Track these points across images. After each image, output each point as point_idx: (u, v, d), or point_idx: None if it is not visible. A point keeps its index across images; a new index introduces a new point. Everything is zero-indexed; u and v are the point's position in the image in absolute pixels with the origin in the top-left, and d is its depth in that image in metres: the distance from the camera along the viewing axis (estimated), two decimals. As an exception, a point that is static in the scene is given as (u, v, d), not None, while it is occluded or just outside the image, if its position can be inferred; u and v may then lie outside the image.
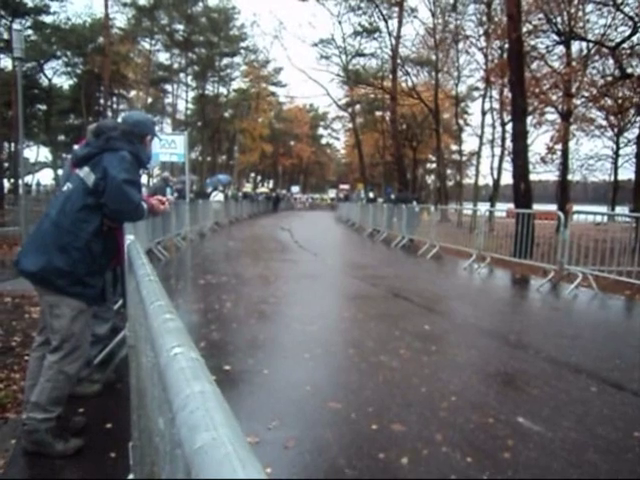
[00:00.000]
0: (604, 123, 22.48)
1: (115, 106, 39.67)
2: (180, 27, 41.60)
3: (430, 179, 47.96)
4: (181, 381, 0.48)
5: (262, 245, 14.09)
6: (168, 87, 46.41)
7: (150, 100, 43.20)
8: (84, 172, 2.66)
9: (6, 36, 27.23)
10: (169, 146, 13.28)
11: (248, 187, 38.40)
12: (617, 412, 3.33)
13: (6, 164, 32.53)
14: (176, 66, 44.27)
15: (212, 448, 0.36)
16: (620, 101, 20.60)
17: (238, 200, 26.65)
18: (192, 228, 13.85)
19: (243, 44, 44.34)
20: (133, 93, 42.85)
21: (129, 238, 1.90)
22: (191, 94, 47.31)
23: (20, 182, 14.92)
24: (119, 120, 3.52)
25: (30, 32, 32.17)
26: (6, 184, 29.56)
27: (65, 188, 2.74)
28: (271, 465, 2.49)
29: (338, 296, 7.38)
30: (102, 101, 37.59)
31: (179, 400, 0.45)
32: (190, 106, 47.91)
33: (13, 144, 32.96)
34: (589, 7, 19.41)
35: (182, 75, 45.33)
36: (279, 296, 6.84)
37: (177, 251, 11.45)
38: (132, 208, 2.66)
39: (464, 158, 37.11)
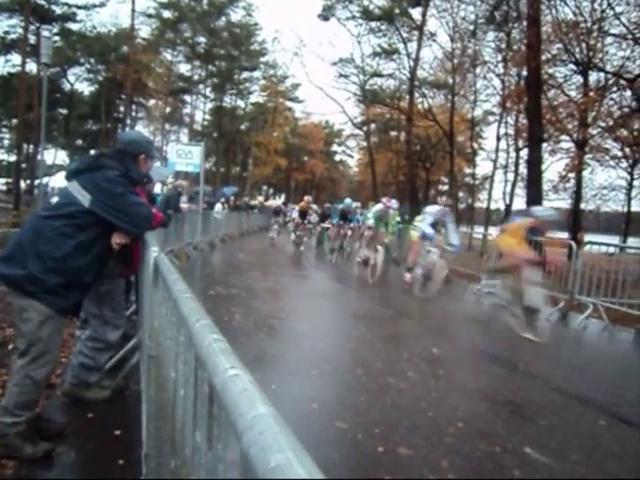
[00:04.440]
0: (619, 154, 22.41)
1: (134, 114, 40.28)
2: (202, 40, 42.34)
3: (442, 201, 47.94)
4: (245, 402, 0.52)
5: (272, 258, 14.13)
6: (187, 98, 47.06)
7: (168, 110, 43.82)
8: (73, 187, 2.71)
9: (32, 41, 27.88)
10: (185, 156, 13.44)
11: (259, 199, 38.05)
12: (626, 448, 3.30)
13: (23, 165, 33.03)
14: (196, 77, 44.97)
15: (287, 469, 0.39)
16: (636, 133, 20.57)
17: (248, 212, 26.75)
18: (203, 238, 13.93)
19: (263, 59, 45.00)
20: (152, 102, 43.50)
21: (155, 250, 1.94)
22: (209, 105, 47.97)
23: (37, 183, 15.12)
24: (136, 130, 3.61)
25: (56, 38, 32.93)
26: (22, 185, 30.01)
27: (54, 200, 2.79)
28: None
29: (347, 314, 7.38)
30: (122, 108, 38.19)
31: (245, 421, 0.49)
32: (207, 117, 48.51)
33: (32, 146, 33.50)
34: (608, 39, 19.54)
35: (201, 87, 46.00)
36: (288, 311, 6.87)
37: (188, 261, 11.51)
38: (138, 211, 2.78)
39: (477, 182, 37.13)
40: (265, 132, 45.99)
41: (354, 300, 8.68)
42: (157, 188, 17.10)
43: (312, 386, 4.02)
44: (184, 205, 10.88)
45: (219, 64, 43.80)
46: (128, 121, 35.07)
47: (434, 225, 9.01)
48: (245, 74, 45.94)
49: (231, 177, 47.91)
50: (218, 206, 21.16)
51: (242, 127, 48.00)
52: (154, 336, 1.77)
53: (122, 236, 2.79)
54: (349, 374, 4.38)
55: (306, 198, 16.74)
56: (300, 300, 8.00)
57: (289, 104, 50.00)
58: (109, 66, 37.30)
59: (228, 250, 15.81)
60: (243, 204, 29.03)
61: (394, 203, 10.96)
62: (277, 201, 24.17)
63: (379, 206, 10.72)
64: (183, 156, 13.45)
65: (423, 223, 9.09)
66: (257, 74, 46.32)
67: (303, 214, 15.95)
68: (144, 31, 39.72)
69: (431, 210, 9.45)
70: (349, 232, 14.19)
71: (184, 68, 44.74)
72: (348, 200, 14.85)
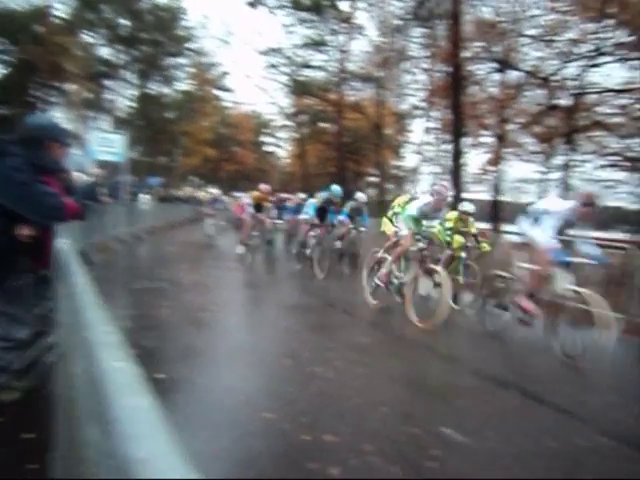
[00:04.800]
0: (534, 149, 23.86)
1: (50, 99, 37.85)
2: (125, 22, 40.38)
3: (371, 192, 48.89)
4: (122, 394, 0.50)
5: (201, 250, 13.85)
6: (109, 83, 44.78)
7: (89, 95, 41.53)
8: None
9: None
10: (108, 145, 12.87)
11: (188, 190, 36.99)
12: (535, 423, 3.54)
13: None
14: (119, 62, 42.86)
15: (154, 459, 0.38)
16: (548, 129, 21.97)
17: (176, 204, 25.98)
18: (128, 230, 13.41)
19: (189, 45, 43.61)
20: (71, 87, 41.03)
21: (63, 242, 1.84)
22: (133, 92, 45.92)
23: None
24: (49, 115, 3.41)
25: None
26: None
27: None
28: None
29: (277, 306, 7.37)
30: (36, 93, 35.78)
31: (119, 412, 0.47)
32: (131, 104, 46.47)
33: None
34: (524, 40, 20.69)
35: (124, 72, 43.93)
36: (218, 304, 6.76)
37: (112, 254, 11.04)
38: (46, 201, 2.63)
39: (404, 174, 38.13)
40: (193, 121, 44.73)
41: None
42: (78, 178, 16.18)
43: (240, 378, 4.00)
44: (105, 198, 10.41)
45: (143, 49, 42.01)
46: (44, 106, 32.92)
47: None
48: (171, 60, 44.37)
49: (158, 167, 46.28)
50: (145, 197, 20.44)
51: (169, 115, 46.42)
52: (62, 332, 1.68)
53: (28, 228, 2.62)
54: (277, 365, 4.39)
55: (263, 187, 11.95)
56: (229, 292, 7.91)
57: (218, 93, 48.93)
58: (21, 47, 34.70)
59: (156, 242, 15.31)
60: (170, 195, 28.08)
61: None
62: (214, 191, 17.90)
63: (424, 199, 6.61)
64: (105, 145, 12.88)
65: (540, 230, 5.28)
66: (184, 61, 44.88)
67: (259, 207, 11.67)
68: (61, 10, 37.27)
69: (555, 207, 5.36)
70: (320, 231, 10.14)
71: (105, 52, 42.51)
72: (336, 188, 10.39)
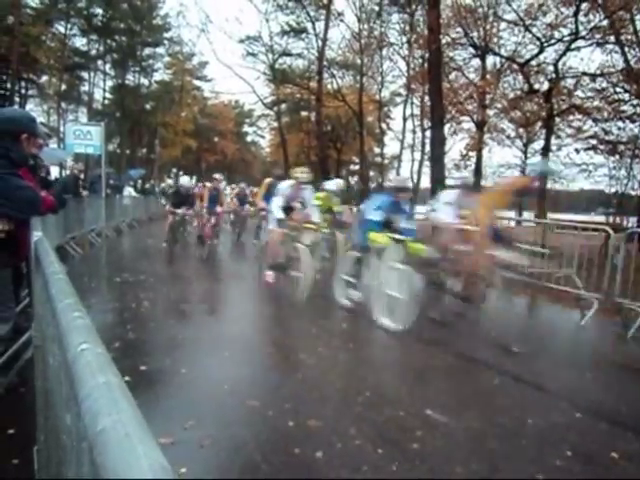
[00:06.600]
0: (514, 134, 24.04)
1: (24, 91, 37.01)
2: (99, 12, 39.51)
3: (353, 180, 49.00)
4: (87, 374, 0.51)
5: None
6: (84, 74, 43.91)
7: (64, 87, 40.71)
8: None
9: None
10: (84, 137, 12.63)
11: (168, 182, 36.55)
12: (515, 402, 3.62)
13: None
14: (93, 53, 41.99)
15: (113, 430, 0.39)
16: (528, 114, 22.13)
17: (157, 196, 25.70)
18: (108, 224, 13.25)
19: (167, 35, 42.87)
20: (45, 78, 40.16)
21: (36, 235, 1.82)
22: (109, 83, 45.12)
23: None
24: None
25: None
26: None
27: None
28: (186, 464, 2.48)
29: (259, 295, 7.37)
30: (9, 85, 34.94)
31: (85, 391, 0.48)
32: (108, 96, 45.65)
33: None
34: (502, 25, 20.74)
35: (100, 63, 43.06)
36: (199, 295, 6.75)
37: (91, 248, 10.90)
38: (22, 195, 2.60)
39: (386, 161, 38.22)
40: (172, 112, 44.15)
41: None
42: (55, 172, 15.89)
43: (223, 367, 4.01)
44: (83, 191, 10.30)
45: (119, 39, 41.20)
46: (17, 99, 32.19)
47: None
48: (148, 50, 43.59)
49: (137, 159, 45.65)
50: (129, 190, 20.20)
51: (147, 106, 45.72)
52: (38, 325, 1.67)
53: (3, 222, 2.58)
54: (261, 353, 4.41)
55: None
56: (210, 283, 7.87)
57: (197, 83, 48.31)
58: (-8, 38, 33.76)
59: (136, 235, 15.17)
60: (151, 187, 27.71)
61: None
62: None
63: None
64: (82, 137, 12.65)
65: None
66: (161, 50, 44.12)
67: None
68: (32, 0, 36.31)
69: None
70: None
71: (80, 42, 41.57)
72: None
